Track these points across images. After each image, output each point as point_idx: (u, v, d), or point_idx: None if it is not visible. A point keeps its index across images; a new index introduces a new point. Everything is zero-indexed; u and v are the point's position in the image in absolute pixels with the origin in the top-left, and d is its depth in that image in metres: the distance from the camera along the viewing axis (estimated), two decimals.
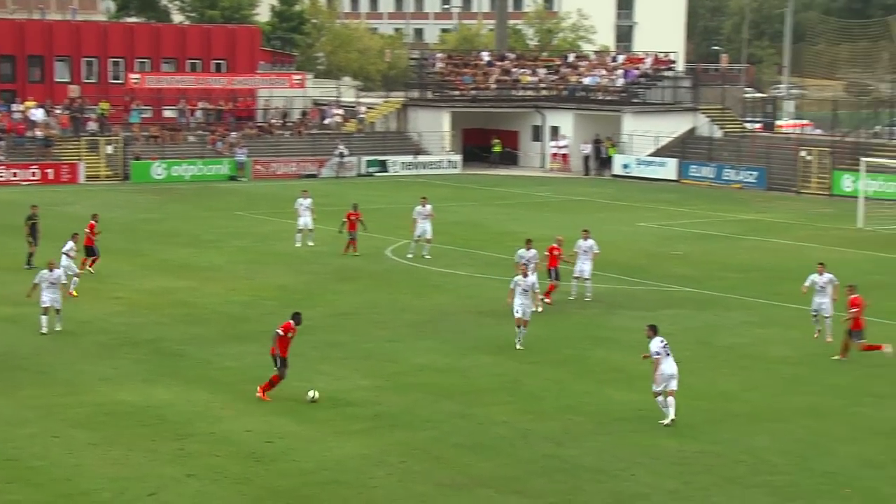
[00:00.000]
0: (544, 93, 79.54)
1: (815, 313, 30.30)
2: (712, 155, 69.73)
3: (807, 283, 30.50)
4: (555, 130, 76.30)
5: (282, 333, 24.44)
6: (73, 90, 72.80)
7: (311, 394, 24.28)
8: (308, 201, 44.43)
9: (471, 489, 19.84)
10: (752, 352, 29.46)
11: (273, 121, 74.94)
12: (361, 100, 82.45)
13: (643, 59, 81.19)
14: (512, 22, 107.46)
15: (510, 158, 77.53)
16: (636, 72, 78.62)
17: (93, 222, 38.61)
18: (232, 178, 67.48)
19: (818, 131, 75.03)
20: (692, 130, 73.43)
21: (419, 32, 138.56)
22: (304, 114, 76.30)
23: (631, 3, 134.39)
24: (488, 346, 29.59)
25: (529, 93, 79.88)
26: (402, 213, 48.87)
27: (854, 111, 70.34)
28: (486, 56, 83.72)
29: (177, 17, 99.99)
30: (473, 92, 79.01)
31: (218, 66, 79.31)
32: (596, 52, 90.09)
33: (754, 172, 66.39)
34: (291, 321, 24.62)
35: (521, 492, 19.75)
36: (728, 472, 20.73)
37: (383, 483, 20.06)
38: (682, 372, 23.40)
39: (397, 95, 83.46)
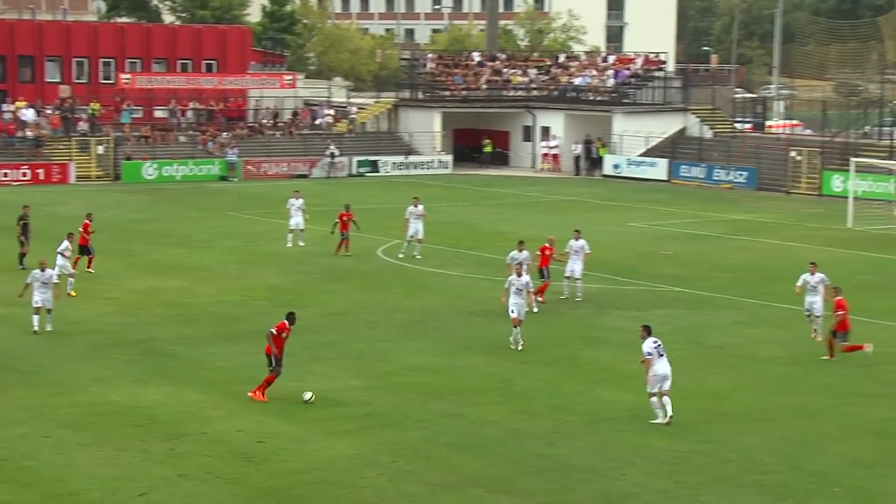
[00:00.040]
0: (535, 93, 79.65)
1: (808, 313, 30.40)
2: (702, 155, 69.87)
3: (799, 283, 30.61)
4: (545, 131, 76.39)
5: (276, 333, 24.45)
6: (64, 90, 72.72)
7: (306, 395, 24.29)
8: (300, 202, 44.45)
9: (461, 489, 19.88)
10: (743, 351, 29.54)
11: (264, 121, 74.91)
12: (352, 100, 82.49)
13: (633, 59, 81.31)
14: (503, 22, 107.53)
15: (501, 159, 77.59)
16: (626, 72, 78.74)
17: (87, 222, 38.68)
18: (223, 179, 67.45)
19: (808, 131, 75.22)
20: (682, 131, 73.56)
21: (410, 33, 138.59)
22: (294, 114, 76.27)
23: (621, 4, 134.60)
24: (479, 345, 29.64)
25: (520, 93, 79.99)
26: (393, 213, 48.90)
27: (843, 111, 70.46)
28: (476, 56, 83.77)
29: (167, 18, 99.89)
30: (464, 92, 79.07)
31: (209, 67, 79.29)
32: (586, 53, 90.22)
33: (744, 172, 66.53)
34: (286, 321, 24.63)
35: (511, 491, 19.79)
36: (718, 472, 20.79)
37: (374, 483, 20.09)
38: (672, 372, 23.45)
39: (388, 96, 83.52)
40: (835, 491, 20.00)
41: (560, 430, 22.95)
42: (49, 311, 30.23)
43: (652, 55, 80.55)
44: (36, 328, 29.98)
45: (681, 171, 69.00)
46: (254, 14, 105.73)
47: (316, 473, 20.47)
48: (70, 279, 34.71)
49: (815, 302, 30.14)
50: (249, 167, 68.76)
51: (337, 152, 70.68)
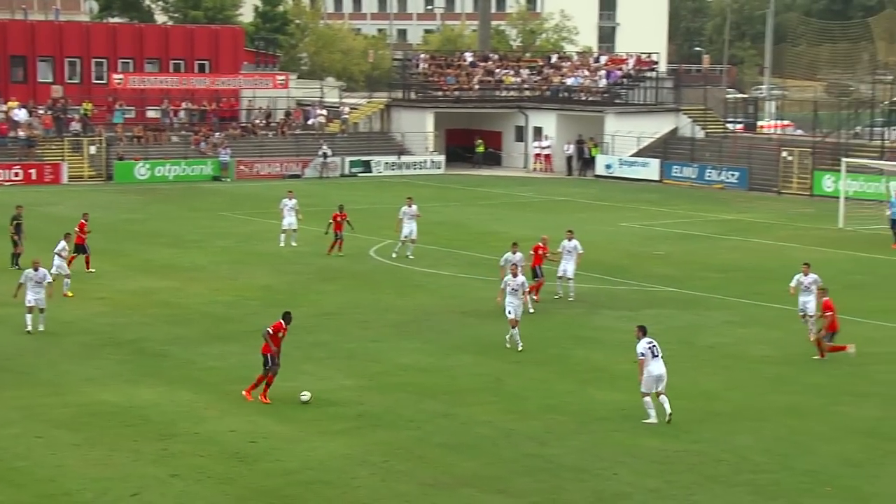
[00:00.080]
0: (527, 93, 79.73)
1: (802, 313, 30.46)
2: (694, 155, 69.97)
3: (793, 284, 30.66)
4: (538, 131, 76.46)
5: (272, 333, 24.46)
6: (56, 90, 72.66)
7: (304, 396, 24.29)
8: (293, 202, 44.48)
9: (454, 489, 19.92)
10: (734, 351, 29.61)
11: (256, 121, 74.90)
12: (345, 100, 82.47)
13: (626, 59, 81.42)
14: (495, 23, 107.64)
15: (493, 159, 77.68)
16: (619, 73, 78.83)
17: (83, 221, 38.84)
18: (215, 179, 67.44)
19: (799, 132, 75.33)
20: (674, 131, 73.67)
21: (402, 33, 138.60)
22: (287, 114, 76.28)
23: (613, 5, 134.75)
24: (471, 345, 29.68)
25: (512, 93, 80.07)
26: (385, 213, 48.94)
27: (835, 112, 70.58)
28: (469, 57, 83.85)
29: (160, 18, 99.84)
30: (457, 92, 79.13)
31: (201, 67, 79.27)
32: (578, 53, 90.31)
33: (736, 173, 66.65)
34: (282, 320, 24.65)
35: (503, 491, 19.83)
36: (710, 471, 20.84)
37: (366, 483, 20.12)
38: (666, 372, 23.50)
39: (381, 96, 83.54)
40: (826, 490, 20.06)
41: (552, 429, 22.99)
42: (42, 310, 30.28)
43: (644, 56, 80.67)
44: (29, 328, 30.02)
45: (673, 171, 69.12)
46: (246, 14, 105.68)
47: (308, 473, 20.50)
48: (66, 280, 34.76)
49: (809, 302, 30.20)
50: (242, 167, 68.76)
51: (329, 152, 70.71)
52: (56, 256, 34.64)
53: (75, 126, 68.17)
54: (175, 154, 68.66)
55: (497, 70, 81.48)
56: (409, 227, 41.96)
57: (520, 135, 77.78)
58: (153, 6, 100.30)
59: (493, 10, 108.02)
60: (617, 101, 76.78)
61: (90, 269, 38.12)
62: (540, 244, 35.09)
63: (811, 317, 30.22)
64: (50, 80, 75.09)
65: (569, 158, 74.04)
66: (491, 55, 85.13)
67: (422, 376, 26.83)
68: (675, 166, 69.25)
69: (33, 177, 63.85)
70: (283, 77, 79.76)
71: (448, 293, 36.28)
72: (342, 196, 52.22)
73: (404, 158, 73.59)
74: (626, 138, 71.44)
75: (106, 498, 19.29)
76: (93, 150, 66.58)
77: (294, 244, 44.05)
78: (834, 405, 25.01)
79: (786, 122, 79.37)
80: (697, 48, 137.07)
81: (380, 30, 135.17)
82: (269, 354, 24.41)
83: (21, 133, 66.36)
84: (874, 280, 39.89)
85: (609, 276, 39.00)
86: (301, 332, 29.44)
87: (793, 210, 57.82)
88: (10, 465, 20.79)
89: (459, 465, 20.99)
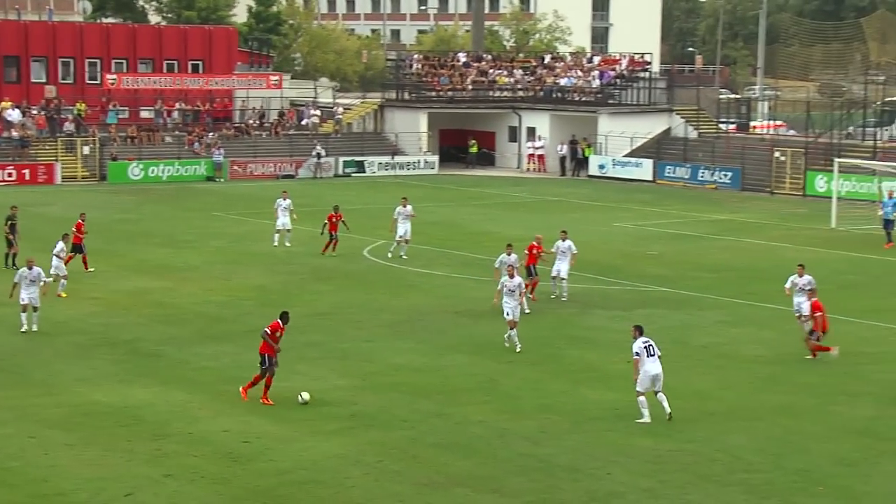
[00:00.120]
0: (521, 94, 79.78)
1: (797, 313, 30.51)
2: (687, 155, 70.06)
3: (787, 285, 30.71)
4: (531, 131, 76.52)
5: (270, 333, 24.45)
6: (50, 91, 72.58)
7: (303, 396, 24.29)
8: (287, 202, 44.50)
9: (447, 488, 19.94)
10: (727, 351, 29.67)
11: (250, 121, 74.88)
12: (338, 101, 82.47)
13: (619, 60, 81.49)
14: (488, 23, 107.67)
15: (487, 159, 77.73)
16: (612, 73, 78.91)
17: (80, 221, 38.90)
18: (209, 179, 67.42)
19: (792, 132, 75.43)
20: (667, 131, 73.76)
21: (396, 33, 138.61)
22: (281, 114, 76.27)
23: (606, 5, 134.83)
24: (465, 345, 29.71)
25: (506, 94, 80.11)
26: (379, 213, 48.99)
27: (827, 112, 70.69)
28: (462, 57, 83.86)
29: (153, 18, 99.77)
30: (450, 93, 79.16)
31: (195, 67, 79.21)
32: (572, 54, 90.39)
33: (729, 173, 66.76)
34: (279, 320, 24.66)
35: (497, 490, 19.85)
36: (703, 471, 20.88)
37: (360, 482, 20.13)
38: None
39: (374, 96, 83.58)
40: (819, 489, 20.11)
41: (546, 429, 23.02)
42: (36, 309, 30.30)
43: (637, 56, 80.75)
44: (24, 327, 30.08)
45: (666, 171, 69.20)
46: (240, 14, 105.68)
47: (302, 473, 20.51)
48: (63, 280, 34.78)
49: (804, 303, 30.19)
50: (235, 167, 68.74)
51: (323, 153, 70.72)
52: (54, 258, 34.73)
53: (69, 126, 68.11)
54: (169, 154, 68.63)
55: (490, 70, 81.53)
56: (404, 228, 42.00)
57: (513, 135, 77.83)
58: (146, 6, 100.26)
59: (487, 11, 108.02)
60: (610, 101, 76.87)
61: (89, 269, 38.16)
62: (534, 243, 35.18)
63: (806, 317, 30.28)
64: (43, 80, 74.99)
65: (562, 159, 74.12)
66: (484, 55, 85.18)
67: (415, 376, 26.85)
68: (669, 166, 69.34)
69: (27, 177, 63.78)
70: (276, 77, 79.76)
71: (442, 293, 36.31)
72: (336, 196, 52.23)
73: (398, 159, 73.61)
74: (619, 139, 71.52)
75: (100, 498, 19.29)
76: (86, 150, 66.51)
77: (288, 244, 44.06)
78: (827, 405, 25.07)
79: (778, 123, 79.48)
80: (690, 49, 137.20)
81: (373, 30, 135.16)
82: (266, 354, 24.41)
83: (14, 133, 66.28)
84: (866, 280, 39.98)
85: (602, 276, 39.05)
86: (295, 333, 29.38)
87: (785, 210, 57.92)
88: (3, 465, 20.77)
89: (453, 465, 21.01)
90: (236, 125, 74.28)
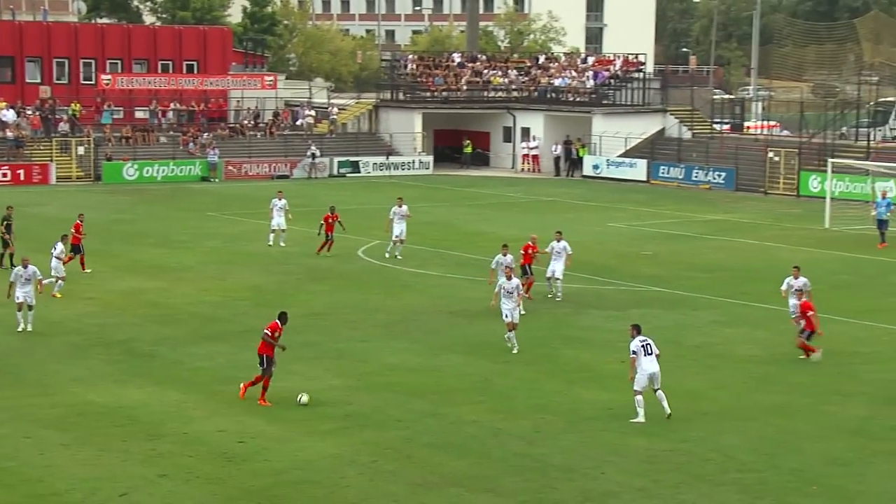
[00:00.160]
0: (515, 94, 79.83)
1: (794, 315, 30.54)
2: (681, 156, 70.14)
3: (784, 287, 30.74)
4: (525, 132, 76.57)
5: (269, 334, 24.46)
6: (45, 91, 72.54)
7: (303, 398, 24.32)
8: (282, 202, 44.55)
9: (442, 488, 19.98)
10: (720, 351, 29.73)
11: (245, 122, 74.87)
12: (333, 101, 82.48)
13: (613, 60, 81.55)
14: (483, 24, 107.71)
15: (481, 159, 77.78)
16: (606, 73, 78.97)
17: (79, 222, 38.92)
18: (204, 179, 67.42)
19: (785, 132, 75.53)
20: (661, 132, 73.84)
21: (391, 34, 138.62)
22: (275, 115, 76.26)
23: (601, 6, 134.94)
24: (459, 345, 29.75)
25: (500, 94, 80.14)
26: (374, 213, 49.03)
27: (821, 113, 70.83)
28: (457, 57, 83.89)
29: (148, 18, 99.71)
30: (445, 93, 79.18)
31: (190, 68, 79.19)
32: (566, 54, 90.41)
33: (723, 173, 66.84)
34: (277, 321, 24.68)
35: (492, 490, 19.89)
36: (697, 470, 20.93)
37: (355, 482, 20.17)
38: None
39: (369, 97, 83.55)
40: (812, 489, 20.16)
41: (540, 429, 23.07)
42: (31, 307, 30.35)
43: (631, 56, 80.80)
44: (21, 327, 30.16)
45: (660, 171, 69.28)
46: (234, 15, 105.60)
47: (297, 473, 20.54)
48: (59, 282, 34.80)
49: (799, 304, 30.30)
50: (230, 168, 68.74)
51: (318, 153, 70.73)
52: (54, 259, 34.79)
53: (63, 126, 68.06)
54: (163, 154, 68.62)
55: (485, 71, 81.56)
56: (400, 228, 42.05)
57: (508, 135, 77.89)
58: (141, 7, 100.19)
59: (481, 11, 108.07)
60: (604, 101, 76.91)
61: (86, 270, 38.18)
62: (529, 243, 35.26)
63: (798, 317, 30.33)
64: (38, 80, 74.93)
65: (556, 159, 74.18)
66: (479, 56, 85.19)
67: (410, 376, 26.89)
68: (663, 167, 69.42)
69: (21, 177, 63.74)
70: (271, 78, 79.73)
71: (436, 293, 36.35)
72: (331, 196, 52.25)
73: (392, 159, 73.64)
74: (613, 139, 71.58)
75: (94, 498, 19.31)
76: (81, 150, 66.48)
77: (283, 244, 44.08)
78: (820, 404, 25.13)
79: (772, 123, 79.58)
80: (684, 49, 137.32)
81: (368, 30, 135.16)
82: (264, 355, 24.44)
83: (9, 134, 66.23)
84: (860, 280, 40.06)
85: (597, 276, 39.10)
86: (290, 333, 29.31)
87: (779, 210, 58.02)
88: None
89: (448, 465, 21.05)
90: (231, 125, 74.27)
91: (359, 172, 71.83)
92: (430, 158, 74.78)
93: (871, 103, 70.81)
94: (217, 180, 67.23)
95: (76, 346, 29.31)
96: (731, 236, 49.06)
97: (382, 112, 78.02)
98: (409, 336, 30.75)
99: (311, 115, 76.56)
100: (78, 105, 70.17)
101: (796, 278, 30.38)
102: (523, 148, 76.18)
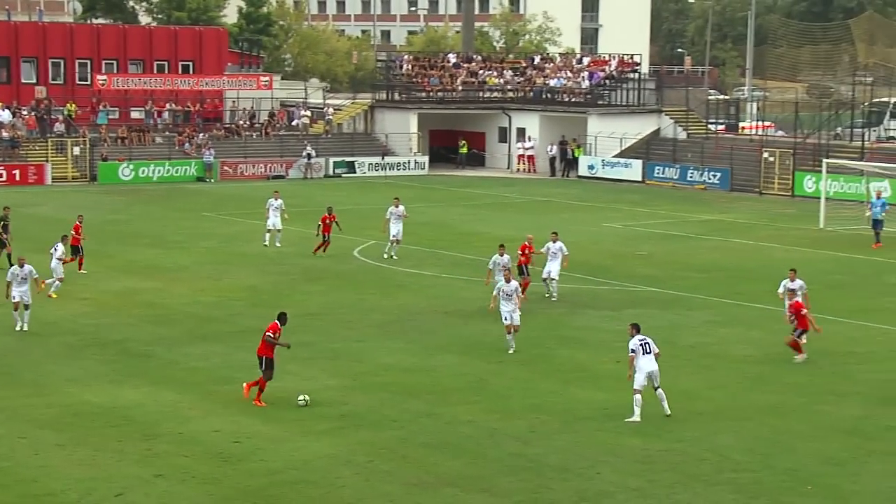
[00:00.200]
0: (510, 95, 79.88)
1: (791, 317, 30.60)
2: (676, 156, 70.23)
3: (780, 290, 30.74)
4: (521, 132, 76.62)
5: (272, 335, 24.45)
6: (40, 91, 72.49)
7: (302, 398, 24.32)
8: (278, 202, 44.57)
9: (437, 488, 20.01)
10: (715, 351, 29.77)
11: (240, 122, 74.85)
12: (329, 101, 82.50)
13: (608, 61, 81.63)
14: (478, 24, 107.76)
15: (477, 160, 77.82)
16: (601, 74, 79.04)
17: (78, 223, 38.90)
18: (199, 180, 67.40)
19: (780, 133, 75.62)
20: (657, 132, 73.93)
21: (386, 34, 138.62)
22: (271, 115, 76.24)
23: (596, 6, 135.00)
24: (455, 345, 29.78)
25: (496, 94, 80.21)
26: (369, 214, 49.05)
27: (816, 113, 70.92)
28: (452, 58, 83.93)
29: (144, 19, 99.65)
30: (440, 94, 79.23)
31: (185, 68, 79.16)
32: (561, 55, 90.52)
33: (718, 173, 66.92)
34: (277, 321, 24.69)
35: (487, 490, 19.92)
36: (692, 470, 20.97)
37: (350, 482, 20.19)
38: None
39: (364, 97, 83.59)
40: (807, 489, 20.21)
41: (535, 429, 23.11)
42: (27, 306, 30.38)
43: (626, 57, 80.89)
44: (18, 326, 30.20)
45: (655, 171, 69.35)
46: (230, 15, 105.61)
47: (292, 473, 20.56)
48: (57, 282, 34.82)
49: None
50: (226, 168, 68.73)
51: (313, 153, 70.75)
52: (54, 260, 34.82)
53: (59, 127, 68.05)
54: (159, 155, 68.61)
55: (480, 71, 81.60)
56: (396, 228, 42.09)
57: (503, 136, 77.93)
58: (137, 7, 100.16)
59: (477, 12, 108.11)
60: (600, 102, 77.00)
61: (82, 271, 38.17)
62: (526, 243, 35.30)
63: (792, 317, 30.37)
64: (33, 80, 74.89)
65: (552, 159, 74.23)
66: (474, 56, 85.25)
67: (405, 376, 26.91)
68: (658, 167, 69.49)
69: (17, 178, 63.71)
70: (266, 78, 79.71)
71: (432, 293, 36.38)
72: (326, 197, 52.27)
73: (388, 159, 73.66)
74: (608, 139, 71.66)
75: (90, 498, 19.32)
76: (77, 150, 66.46)
77: (278, 245, 44.10)
78: (815, 404, 25.18)
79: (767, 124, 79.68)
80: (679, 50, 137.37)
81: (363, 31, 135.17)
82: (264, 356, 24.45)
83: (5, 134, 66.17)
84: (855, 280, 40.12)
85: (592, 276, 39.14)
86: (286, 333, 29.28)
87: (774, 210, 58.09)
88: None
89: (443, 465, 21.08)
90: (227, 126, 74.26)
91: (354, 173, 71.86)
92: (426, 159, 74.82)
93: (866, 104, 70.87)
94: (213, 181, 67.23)
95: (71, 346, 29.31)
96: (726, 236, 49.12)
97: (378, 112, 78.05)
98: (405, 336, 30.77)
99: (306, 116, 76.57)
100: (73, 105, 70.15)
101: (792, 280, 30.41)
102: (519, 148, 76.23)
